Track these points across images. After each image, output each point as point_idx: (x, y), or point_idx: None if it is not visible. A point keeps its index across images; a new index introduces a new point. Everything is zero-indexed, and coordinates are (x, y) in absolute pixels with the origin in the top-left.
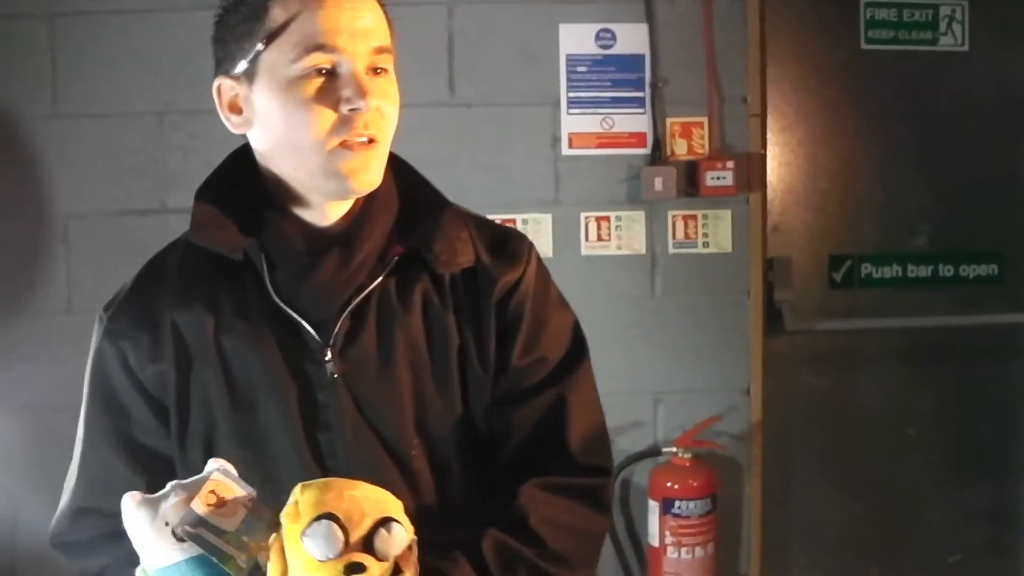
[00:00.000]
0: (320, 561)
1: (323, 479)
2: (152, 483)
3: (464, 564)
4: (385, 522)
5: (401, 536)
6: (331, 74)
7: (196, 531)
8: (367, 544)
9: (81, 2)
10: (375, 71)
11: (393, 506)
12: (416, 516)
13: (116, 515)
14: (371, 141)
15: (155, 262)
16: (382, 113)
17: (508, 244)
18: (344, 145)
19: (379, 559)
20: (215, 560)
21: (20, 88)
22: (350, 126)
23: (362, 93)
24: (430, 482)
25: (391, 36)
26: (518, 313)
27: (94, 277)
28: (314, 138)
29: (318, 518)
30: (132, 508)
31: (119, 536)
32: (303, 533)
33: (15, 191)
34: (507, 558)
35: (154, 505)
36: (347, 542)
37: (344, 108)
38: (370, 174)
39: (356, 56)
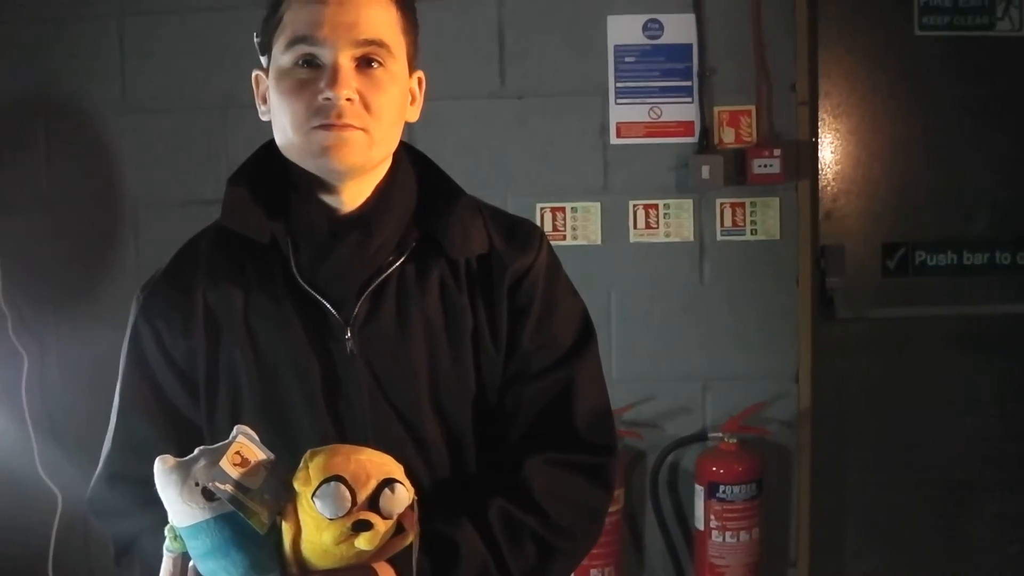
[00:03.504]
0: (330, 519)
1: (330, 445)
2: (181, 451)
3: (470, 531)
4: (389, 483)
5: (403, 496)
6: (314, 65)
7: (224, 487)
8: (372, 504)
9: (147, 2)
10: (368, 63)
11: (395, 468)
12: (431, 488)
13: (148, 482)
14: (347, 127)
15: (188, 246)
16: (367, 103)
17: (521, 232)
18: (322, 127)
19: (384, 517)
20: (241, 515)
21: (92, 85)
22: (325, 114)
23: (331, 83)
24: (444, 456)
25: (402, 31)
26: (529, 297)
27: (162, 263)
28: (294, 123)
29: (327, 480)
30: (164, 471)
31: (151, 504)
32: (313, 495)
33: (88, 182)
34: (512, 527)
35: (185, 468)
36: (354, 502)
37: (320, 97)
38: (349, 153)
39: (338, 48)
